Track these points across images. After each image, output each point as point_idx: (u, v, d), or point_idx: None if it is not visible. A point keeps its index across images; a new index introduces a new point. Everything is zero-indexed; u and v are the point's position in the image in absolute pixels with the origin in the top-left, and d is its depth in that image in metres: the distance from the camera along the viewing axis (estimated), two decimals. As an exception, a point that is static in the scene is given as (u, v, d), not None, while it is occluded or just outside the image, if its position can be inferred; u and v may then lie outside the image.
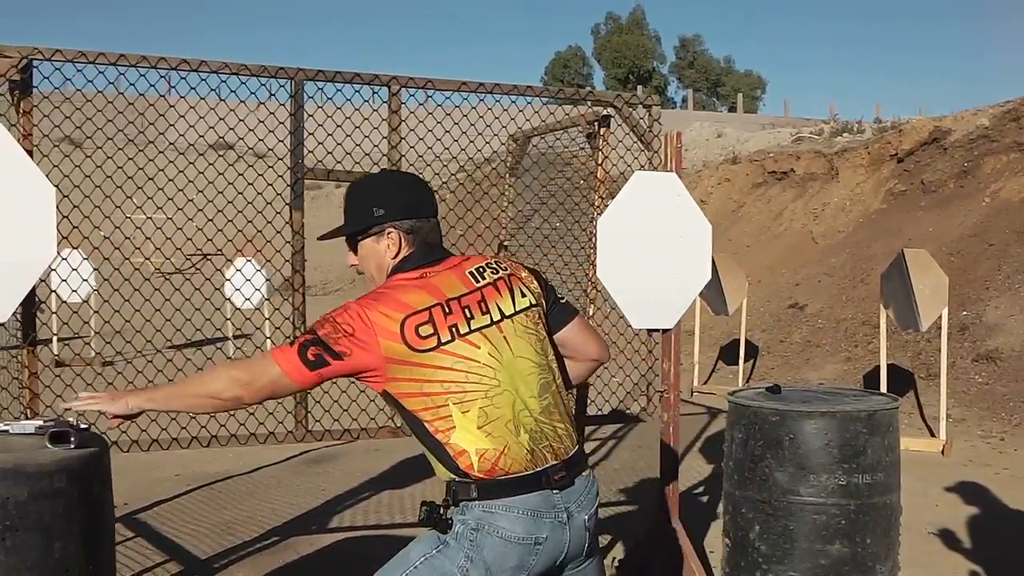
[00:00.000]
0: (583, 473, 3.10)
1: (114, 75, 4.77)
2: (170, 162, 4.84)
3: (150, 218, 5.48)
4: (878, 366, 10.66)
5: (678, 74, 73.00)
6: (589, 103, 5.87)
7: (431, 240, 3.16)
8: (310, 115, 4.98)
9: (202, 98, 4.90)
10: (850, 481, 4.82)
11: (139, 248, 6.07)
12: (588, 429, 5.98)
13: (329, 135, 5.04)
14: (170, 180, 4.88)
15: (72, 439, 3.25)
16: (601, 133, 5.69)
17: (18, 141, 4.13)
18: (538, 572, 2.99)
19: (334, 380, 3.02)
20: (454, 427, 2.94)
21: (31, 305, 4.35)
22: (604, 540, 6.18)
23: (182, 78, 4.83)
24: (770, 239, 19.24)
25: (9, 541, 3.07)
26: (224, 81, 4.83)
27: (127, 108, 4.84)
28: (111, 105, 4.67)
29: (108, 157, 4.83)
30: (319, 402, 5.19)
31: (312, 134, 4.99)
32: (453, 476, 2.97)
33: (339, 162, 4.80)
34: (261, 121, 5.09)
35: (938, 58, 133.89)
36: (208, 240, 5.61)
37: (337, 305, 3.00)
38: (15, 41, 4.36)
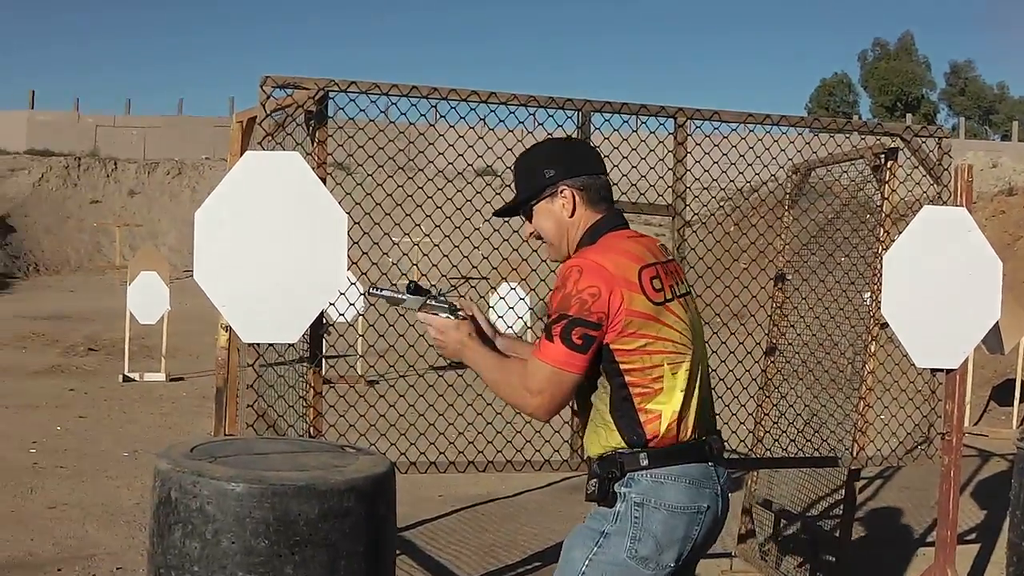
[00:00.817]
0: (722, 442, 3.16)
1: (385, 104, 4.91)
2: (439, 189, 4.92)
3: (417, 244, 5.58)
4: None
5: (948, 101, 70.38)
6: (877, 135, 5.67)
7: (605, 196, 3.17)
8: (596, 146, 5.00)
9: (471, 127, 5.00)
10: None
11: (405, 274, 6.22)
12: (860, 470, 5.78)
13: (615, 166, 5.03)
14: (438, 207, 4.96)
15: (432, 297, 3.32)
16: (888, 166, 5.51)
17: (313, 169, 4.31)
18: (699, 545, 3.02)
19: None
20: (660, 389, 2.96)
21: (319, 327, 4.50)
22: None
23: (452, 108, 4.90)
24: (1048, 275, 18.26)
25: (298, 556, 3.16)
26: (513, 112, 4.90)
27: (398, 136, 4.95)
28: (383, 134, 4.77)
29: (378, 184, 4.96)
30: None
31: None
32: (620, 447, 2.98)
33: (624, 193, 4.79)
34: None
35: None
36: (473, 267, 5.71)
37: None
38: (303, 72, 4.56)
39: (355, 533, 3.24)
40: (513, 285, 13.14)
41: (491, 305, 13.28)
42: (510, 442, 4.87)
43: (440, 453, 4.91)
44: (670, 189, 5.12)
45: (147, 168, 37.93)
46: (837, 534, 5.95)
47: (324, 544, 3.18)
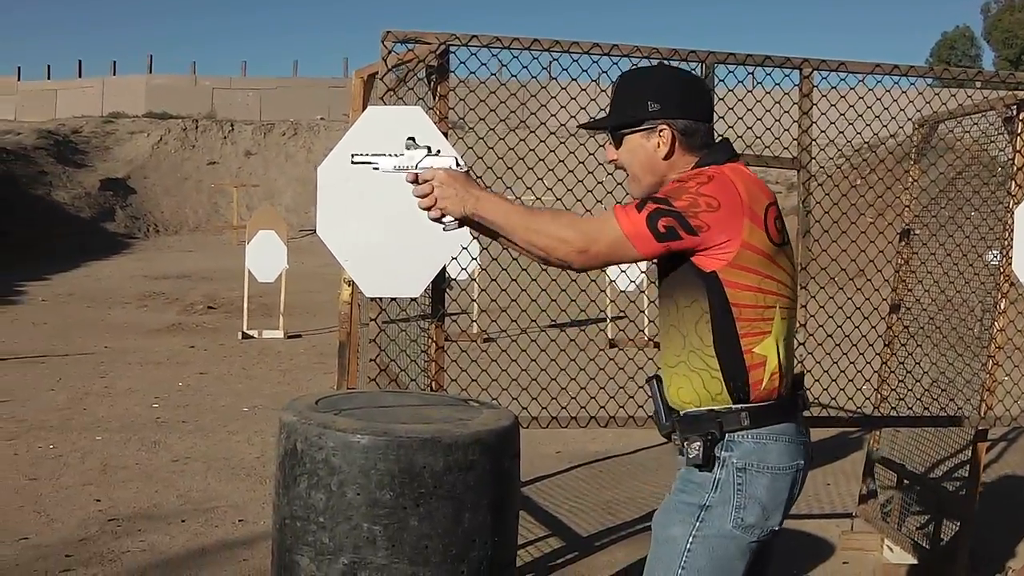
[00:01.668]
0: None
1: (504, 60, 4.86)
2: (561, 142, 4.87)
3: (539, 199, 5.54)
4: None
5: (1075, 54, 68.18)
6: (1009, 86, 5.47)
7: (707, 143, 2.93)
8: (720, 98, 4.91)
9: (583, 89, 4.93)
10: None
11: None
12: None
13: (739, 119, 4.93)
14: (561, 161, 4.91)
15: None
16: (1021, 117, 5.31)
17: (435, 124, 4.29)
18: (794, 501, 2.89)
19: None
20: (769, 332, 2.79)
21: (441, 281, 4.51)
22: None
23: (574, 61, 4.85)
24: None
25: (423, 508, 3.17)
26: (635, 64, 4.79)
27: (510, 98, 4.88)
28: (495, 94, 4.73)
29: (498, 139, 4.94)
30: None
31: (722, 117, 4.90)
32: (720, 402, 2.81)
33: (749, 146, 4.69)
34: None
35: None
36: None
37: None
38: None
39: (480, 486, 3.24)
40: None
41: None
42: (632, 398, 4.83)
43: (562, 408, 4.89)
44: (795, 142, 5.01)
45: (263, 129, 38.40)
46: (961, 495, 5.82)
47: (449, 497, 3.19)
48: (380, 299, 4.44)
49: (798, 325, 4.87)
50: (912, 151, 6.13)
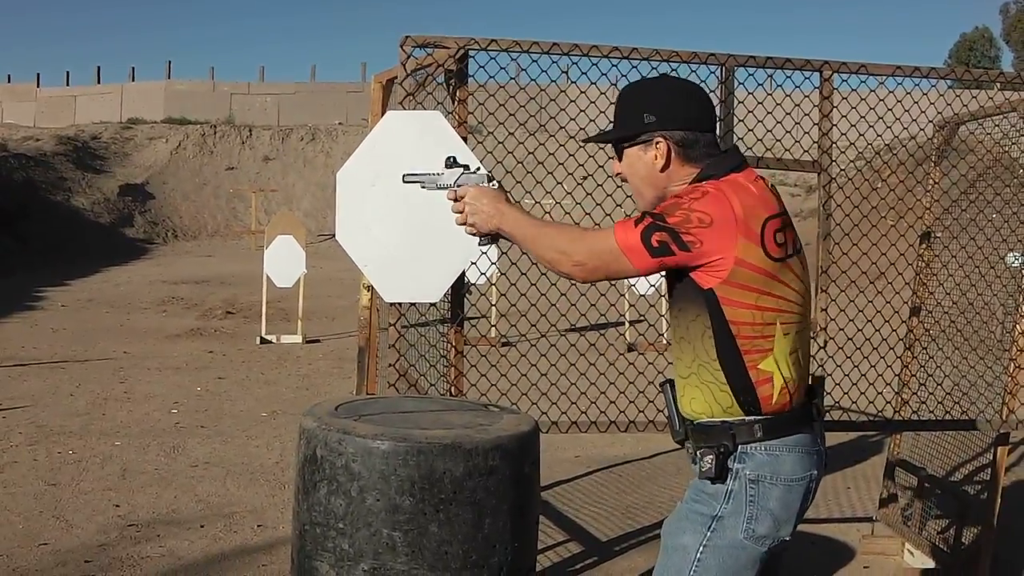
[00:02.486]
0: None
1: (524, 64, 4.85)
2: (580, 146, 4.86)
3: (559, 203, 5.54)
4: None
5: (1097, 54, 67.86)
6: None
7: (709, 153, 2.91)
8: (740, 101, 4.89)
9: (603, 92, 4.90)
10: None
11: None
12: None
13: (759, 122, 4.91)
14: (580, 165, 4.90)
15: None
16: (1043, 118, 5.29)
17: (454, 128, 4.29)
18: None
19: None
20: (771, 350, 2.78)
21: (460, 286, 4.50)
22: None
23: (593, 64, 4.83)
24: None
25: (443, 514, 3.17)
26: (655, 68, 4.78)
27: (529, 102, 4.88)
28: (515, 98, 4.73)
29: (520, 143, 4.93)
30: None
31: (742, 120, 4.88)
32: (733, 414, 2.81)
33: (769, 149, 4.67)
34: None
35: None
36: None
37: None
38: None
39: (500, 491, 3.23)
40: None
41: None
42: (652, 402, 4.82)
43: (582, 413, 4.88)
44: (815, 145, 4.99)
45: (281, 134, 38.53)
46: (982, 499, 5.79)
47: (469, 502, 3.19)
48: (399, 304, 4.44)
49: (819, 329, 4.85)
50: (932, 153, 6.10)
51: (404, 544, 3.14)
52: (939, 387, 5.74)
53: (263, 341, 14.33)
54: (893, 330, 5.49)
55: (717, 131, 3.05)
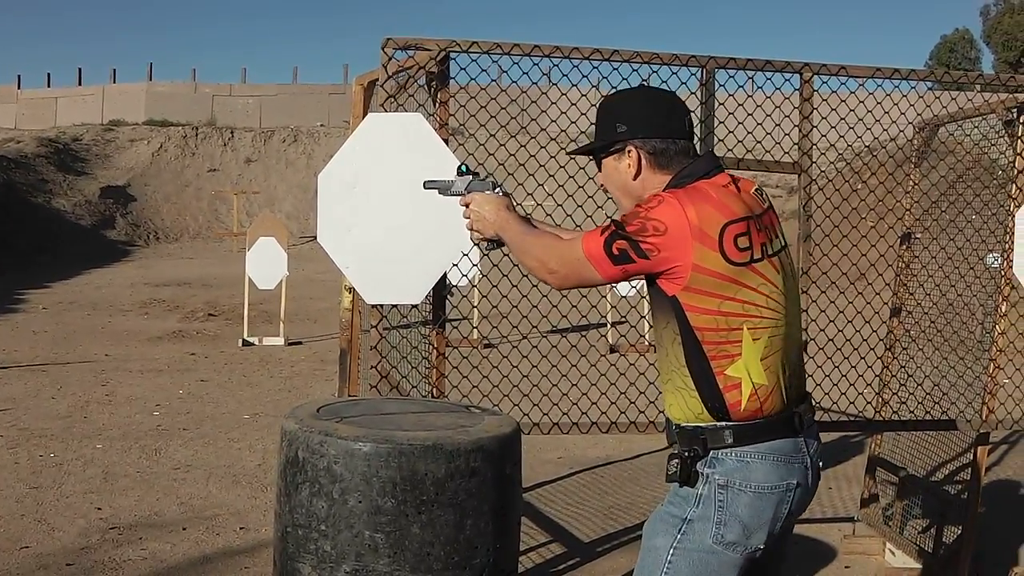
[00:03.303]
0: (812, 410, 3.00)
1: (506, 65, 4.86)
2: (561, 148, 4.87)
3: (540, 205, 5.54)
4: None
5: (1078, 56, 68.10)
6: (1009, 90, 5.46)
7: (681, 162, 2.93)
8: (720, 103, 4.90)
9: (584, 94, 4.91)
10: None
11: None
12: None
13: (740, 123, 4.92)
14: (561, 167, 4.90)
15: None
16: (1021, 120, 5.31)
17: (436, 130, 4.29)
18: (793, 512, 2.88)
19: None
20: (738, 355, 2.77)
21: (442, 288, 4.50)
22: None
23: (574, 66, 4.84)
24: None
25: (425, 516, 3.17)
26: (636, 70, 4.80)
27: (510, 104, 4.88)
28: (496, 100, 4.72)
29: (501, 144, 4.93)
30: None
31: (723, 122, 4.89)
32: (704, 420, 2.82)
33: (749, 151, 4.69)
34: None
35: None
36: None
37: None
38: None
39: (482, 493, 3.24)
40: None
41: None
42: (633, 403, 4.83)
43: (563, 414, 4.89)
44: (796, 146, 5.00)
45: (263, 136, 38.44)
46: (963, 499, 5.82)
47: (451, 504, 3.19)
48: (381, 306, 4.44)
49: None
50: (912, 155, 6.13)
51: (386, 545, 3.14)
52: (919, 387, 5.77)
53: (245, 343, 14.30)
54: (874, 331, 5.51)
55: (694, 138, 3.06)
